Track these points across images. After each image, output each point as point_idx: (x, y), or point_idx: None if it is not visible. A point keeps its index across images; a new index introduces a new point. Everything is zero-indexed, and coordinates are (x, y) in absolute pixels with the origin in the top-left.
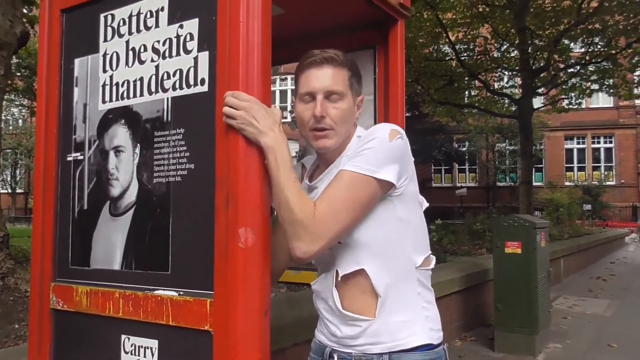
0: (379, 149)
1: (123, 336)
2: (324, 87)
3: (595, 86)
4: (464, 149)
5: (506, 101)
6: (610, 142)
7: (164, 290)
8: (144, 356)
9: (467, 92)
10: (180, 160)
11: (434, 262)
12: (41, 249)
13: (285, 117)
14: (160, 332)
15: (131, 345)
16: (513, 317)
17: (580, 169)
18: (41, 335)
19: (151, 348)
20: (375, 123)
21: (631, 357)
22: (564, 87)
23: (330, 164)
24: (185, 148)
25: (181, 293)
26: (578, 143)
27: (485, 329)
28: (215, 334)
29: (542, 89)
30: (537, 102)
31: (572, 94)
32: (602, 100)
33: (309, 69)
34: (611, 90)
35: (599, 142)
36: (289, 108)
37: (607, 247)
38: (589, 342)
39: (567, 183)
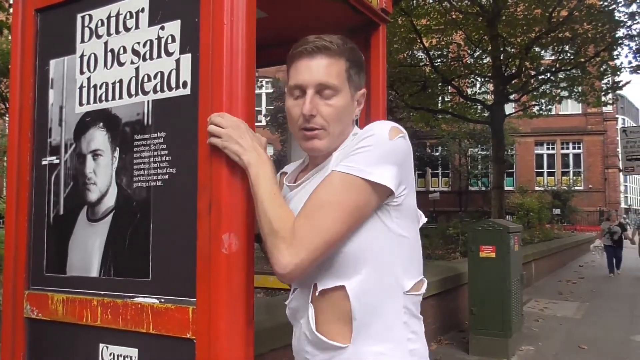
0: (376, 148)
1: (101, 345)
2: (315, 80)
3: (564, 93)
4: (437, 153)
5: (479, 107)
6: (579, 148)
7: (144, 297)
8: None
9: (440, 98)
10: (161, 165)
11: (425, 286)
12: (14, 256)
13: (260, 121)
14: (141, 340)
15: (110, 355)
16: (487, 320)
17: (550, 174)
18: (14, 345)
19: (131, 357)
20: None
21: (601, 358)
22: (534, 93)
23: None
24: (166, 152)
25: (162, 300)
26: (548, 149)
27: (460, 333)
28: (198, 342)
29: (514, 95)
30: (509, 108)
31: (543, 101)
32: (571, 107)
33: (299, 58)
34: (580, 98)
35: (567, 148)
36: (263, 112)
37: (576, 251)
38: (560, 344)
39: (537, 188)
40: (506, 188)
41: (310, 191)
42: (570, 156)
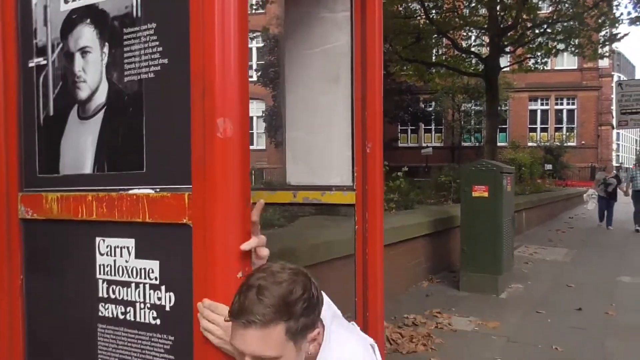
0: None
1: (97, 238)
2: (251, 352)
3: (561, 46)
4: (431, 109)
5: (473, 60)
6: (573, 104)
7: (139, 189)
8: (120, 256)
9: (435, 50)
10: (152, 57)
11: None
12: (6, 160)
13: (251, 76)
14: (137, 230)
15: (106, 247)
16: (478, 258)
17: (543, 130)
18: (10, 247)
19: (127, 247)
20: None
21: (587, 295)
22: (530, 45)
23: None
24: (157, 43)
25: (158, 190)
26: (542, 104)
27: (451, 273)
28: (195, 226)
29: (509, 47)
30: (504, 61)
31: (539, 53)
32: (567, 62)
33: (236, 324)
34: (576, 50)
35: (562, 104)
36: (254, 67)
37: (567, 204)
38: (548, 283)
39: (529, 144)
40: (499, 143)
41: None
42: (564, 112)
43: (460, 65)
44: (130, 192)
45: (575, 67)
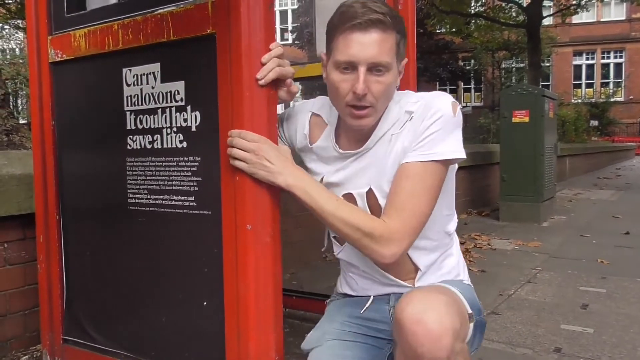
0: (446, 129)
1: (124, 70)
2: (368, 58)
3: None
4: (469, 67)
5: (513, 12)
6: (621, 57)
7: (163, 8)
8: (147, 83)
9: (473, 0)
10: None
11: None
12: (35, 5)
13: (287, 39)
14: (162, 53)
15: (133, 77)
16: (519, 186)
17: (589, 85)
18: (42, 91)
19: (153, 72)
20: None
21: (635, 223)
22: None
23: (361, 133)
24: None
25: (181, 5)
26: (587, 59)
27: (490, 210)
28: (219, 34)
29: None
30: (546, 11)
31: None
32: (614, 13)
33: (351, 31)
34: None
35: (608, 57)
36: (289, 28)
37: (614, 156)
38: (593, 215)
39: (573, 100)
40: None
41: (363, 167)
42: (611, 66)
43: (499, 16)
44: (155, 12)
45: (624, 18)
